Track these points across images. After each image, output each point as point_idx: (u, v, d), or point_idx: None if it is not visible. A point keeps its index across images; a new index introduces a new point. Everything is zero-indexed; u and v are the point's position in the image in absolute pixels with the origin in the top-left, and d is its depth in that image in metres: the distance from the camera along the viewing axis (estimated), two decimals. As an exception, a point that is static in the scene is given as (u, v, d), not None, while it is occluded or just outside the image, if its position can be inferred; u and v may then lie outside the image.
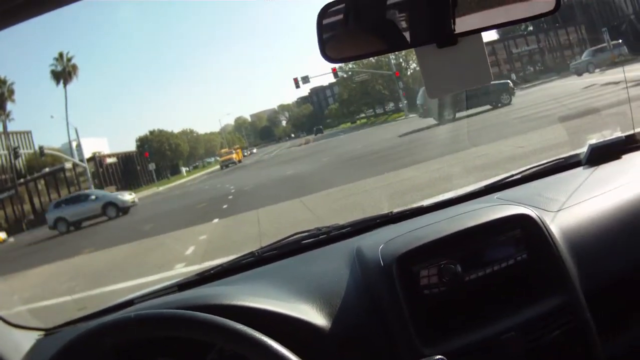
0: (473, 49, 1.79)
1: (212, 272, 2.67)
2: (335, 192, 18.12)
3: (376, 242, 2.32)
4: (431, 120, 35.53)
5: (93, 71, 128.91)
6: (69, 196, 45.31)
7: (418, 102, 41.34)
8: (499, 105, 33.97)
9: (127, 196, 38.75)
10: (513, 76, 57.37)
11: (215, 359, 2.04)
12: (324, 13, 1.78)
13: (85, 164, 65.81)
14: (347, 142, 49.50)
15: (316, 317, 2.03)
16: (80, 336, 1.79)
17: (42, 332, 2.57)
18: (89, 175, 65.59)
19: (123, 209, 35.77)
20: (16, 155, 66.55)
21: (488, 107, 33.60)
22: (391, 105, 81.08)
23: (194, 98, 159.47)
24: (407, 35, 1.75)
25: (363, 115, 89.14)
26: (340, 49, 1.79)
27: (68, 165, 68.31)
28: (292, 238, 2.77)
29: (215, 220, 20.41)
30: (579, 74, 41.48)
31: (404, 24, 1.76)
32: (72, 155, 70.65)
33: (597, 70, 39.62)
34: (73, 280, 16.14)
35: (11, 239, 49.61)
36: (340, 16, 1.77)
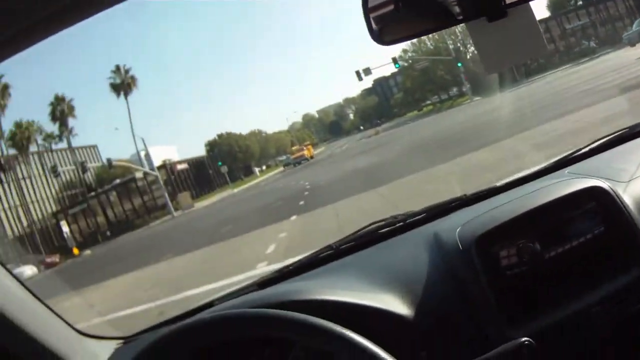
0: (524, 20, 1.74)
1: (290, 268, 2.64)
2: (409, 181, 18.09)
3: (453, 226, 2.30)
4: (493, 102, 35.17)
5: (155, 79, 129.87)
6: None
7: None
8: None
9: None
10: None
11: (298, 356, 2.00)
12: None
13: (156, 172, 66.55)
14: (416, 130, 50.05)
15: (399, 306, 2.00)
16: (159, 339, 1.82)
17: (120, 341, 2.60)
18: (162, 183, 66.14)
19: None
20: (84, 170, 67.42)
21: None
22: (454, 90, 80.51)
23: (259, 99, 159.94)
24: (456, 11, 1.74)
25: (428, 102, 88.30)
26: (390, 30, 1.76)
27: (139, 175, 69.35)
28: (368, 228, 2.71)
29: (294, 217, 20.54)
30: (632, 44, 41.00)
31: (452, 0, 1.75)
32: (141, 165, 71.59)
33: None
34: (154, 288, 16.37)
35: (87, 252, 50.34)
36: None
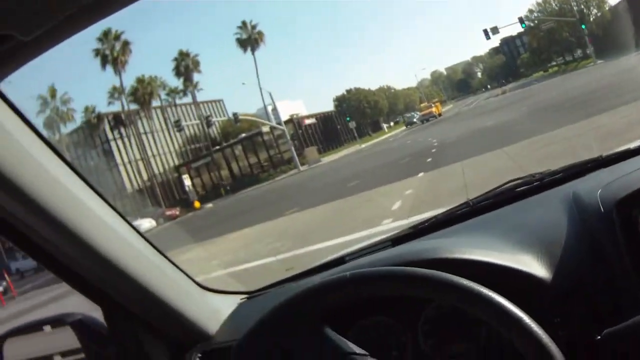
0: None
1: (426, 224, 2.56)
2: (537, 141, 17.30)
3: (593, 187, 2.12)
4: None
5: (284, 35, 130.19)
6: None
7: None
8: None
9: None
10: None
11: (431, 316, 1.99)
12: None
13: (283, 127, 66.40)
14: (542, 90, 48.60)
15: (537, 268, 1.89)
16: (295, 297, 1.81)
17: (244, 296, 2.62)
18: (288, 137, 65.95)
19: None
20: (209, 124, 68.05)
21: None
22: (579, 52, 79.50)
23: (389, 55, 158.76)
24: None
25: (553, 63, 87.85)
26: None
27: (265, 129, 69.50)
28: (505, 186, 2.61)
29: (420, 174, 20.25)
30: None
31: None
32: (267, 119, 72.18)
33: None
34: (277, 241, 16.66)
35: (209, 205, 51.34)
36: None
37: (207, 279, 2.76)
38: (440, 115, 75.61)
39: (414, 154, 29.62)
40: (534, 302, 1.75)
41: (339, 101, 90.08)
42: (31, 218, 1.67)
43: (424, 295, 1.71)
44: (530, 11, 79.62)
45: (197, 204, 48.80)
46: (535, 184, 2.52)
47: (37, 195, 1.61)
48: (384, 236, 2.63)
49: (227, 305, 2.48)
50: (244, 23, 73.83)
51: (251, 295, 2.62)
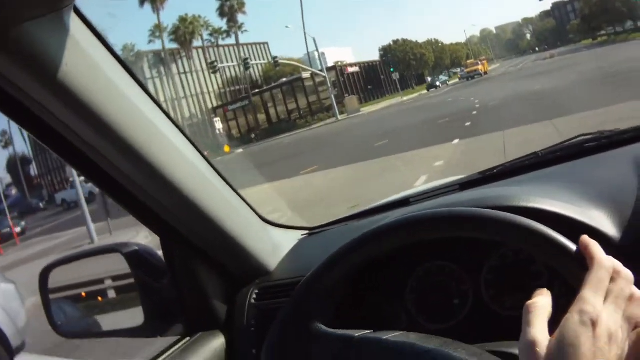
0: None
1: (494, 172, 2.40)
2: (591, 117, 15.34)
3: None
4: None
5: None
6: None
7: None
8: None
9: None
10: None
11: (495, 266, 1.87)
12: None
13: (325, 74, 65.37)
14: (592, 58, 47.61)
15: (607, 225, 1.70)
16: (365, 236, 1.68)
17: (305, 232, 2.50)
18: (330, 84, 64.87)
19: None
20: (247, 67, 66.01)
21: None
22: (629, 23, 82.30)
23: (439, 7, 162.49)
24: None
25: (603, 32, 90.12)
26: None
27: (306, 75, 69.15)
28: (574, 140, 2.40)
29: (456, 142, 19.01)
30: None
31: None
32: (311, 65, 71.73)
33: None
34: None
35: (240, 150, 52.11)
36: None
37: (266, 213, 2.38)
38: (486, 73, 76.07)
39: (452, 114, 28.74)
40: None
41: (385, 51, 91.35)
42: (100, 140, 1.59)
43: (494, 237, 1.61)
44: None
45: (226, 148, 48.76)
46: (603, 141, 2.36)
47: (109, 116, 1.52)
48: (450, 179, 2.58)
49: (287, 241, 2.39)
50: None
51: (312, 231, 2.52)
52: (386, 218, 1.82)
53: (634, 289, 1.19)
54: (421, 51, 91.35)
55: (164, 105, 1.88)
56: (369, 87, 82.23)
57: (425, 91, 76.95)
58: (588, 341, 1.04)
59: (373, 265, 1.75)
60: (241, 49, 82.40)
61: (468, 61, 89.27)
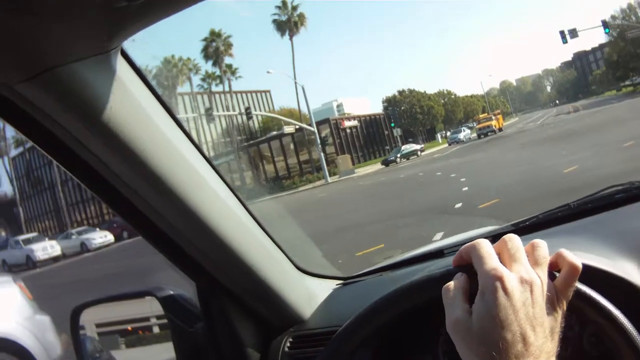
0: None
1: (527, 223, 2.41)
2: None
3: None
4: None
5: (349, 30, 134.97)
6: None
7: None
8: None
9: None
10: None
11: None
12: None
13: (313, 128, 60.48)
14: (625, 110, 44.25)
15: (638, 277, 1.76)
16: (401, 290, 1.75)
17: (339, 282, 2.60)
18: (318, 141, 60.23)
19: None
20: (249, 116, 62.66)
21: None
22: None
23: (453, 56, 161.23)
24: None
25: (629, 82, 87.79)
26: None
27: (289, 129, 65.08)
28: (605, 191, 2.44)
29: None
30: None
31: None
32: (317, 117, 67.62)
33: None
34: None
35: None
36: None
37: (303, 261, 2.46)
38: (500, 130, 69.06)
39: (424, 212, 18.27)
40: (631, 311, 1.64)
41: (389, 102, 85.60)
42: (140, 182, 1.64)
43: None
44: (614, 17, 78.89)
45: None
46: (634, 192, 2.44)
47: (151, 159, 1.58)
48: (482, 230, 2.63)
49: (321, 290, 2.48)
50: (284, 2, 73.46)
51: (347, 281, 2.61)
52: (420, 270, 1.94)
53: (519, 243, 1.26)
54: (429, 103, 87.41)
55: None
56: (369, 143, 78.18)
57: (438, 147, 70.90)
58: (503, 299, 1.14)
59: (407, 315, 1.75)
60: (235, 96, 79.19)
61: (480, 115, 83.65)
